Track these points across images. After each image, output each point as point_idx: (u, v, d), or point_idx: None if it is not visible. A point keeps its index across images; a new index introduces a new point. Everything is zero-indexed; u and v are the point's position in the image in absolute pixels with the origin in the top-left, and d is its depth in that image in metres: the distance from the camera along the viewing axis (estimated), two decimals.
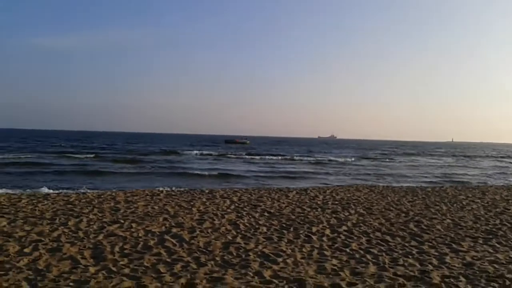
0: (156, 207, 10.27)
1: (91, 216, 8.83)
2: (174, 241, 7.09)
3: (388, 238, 7.88)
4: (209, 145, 71.38)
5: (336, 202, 11.98)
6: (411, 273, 5.70)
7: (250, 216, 9.48)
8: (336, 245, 7.20)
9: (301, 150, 62.84)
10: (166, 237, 7.32)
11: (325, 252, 6.73)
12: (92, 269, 5.44)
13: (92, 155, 34.46)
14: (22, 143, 54.55)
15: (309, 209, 10.66)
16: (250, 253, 6.50)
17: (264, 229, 8.24)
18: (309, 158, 41.51)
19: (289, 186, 17.73)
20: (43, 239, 6.83)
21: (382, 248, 7.14)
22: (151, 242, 6.93)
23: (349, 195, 13.77)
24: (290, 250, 6.77)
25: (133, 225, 8.16)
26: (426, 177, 25.94)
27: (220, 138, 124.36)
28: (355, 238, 7.78)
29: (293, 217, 9.56)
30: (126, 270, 5.46)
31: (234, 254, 6.46)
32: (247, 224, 8.60)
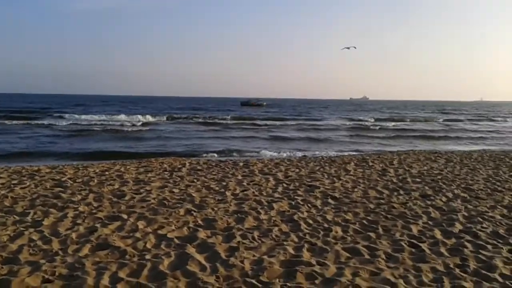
0: (176, 190, 7.48)
1: (81, 208, 6.11)
2: (202, 258, 4.30)
3: None
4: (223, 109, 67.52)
5: (418, 180, 8.81)
6: None
7: (309, 205, 6.56)
8: (471, 265, 4.27)
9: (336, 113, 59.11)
10: (189, 249, 4.52)
11: (464, 284, 3.82)
12: None
13: None
14: None
15: (387, 192, 7.63)
16: None
17: (339, 230, 5.35)
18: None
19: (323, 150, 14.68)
20: None
21: None
22: (165, 263, 4.14)
23: (425, 167, 10.58)
24: (402, 280, 3.87)
25: (140, 224, 5.40)
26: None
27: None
28: (489, 247, 4.82)
29: (372, 206, 6.57)
30: None
31: None
32: (310, 221, 5.71)
